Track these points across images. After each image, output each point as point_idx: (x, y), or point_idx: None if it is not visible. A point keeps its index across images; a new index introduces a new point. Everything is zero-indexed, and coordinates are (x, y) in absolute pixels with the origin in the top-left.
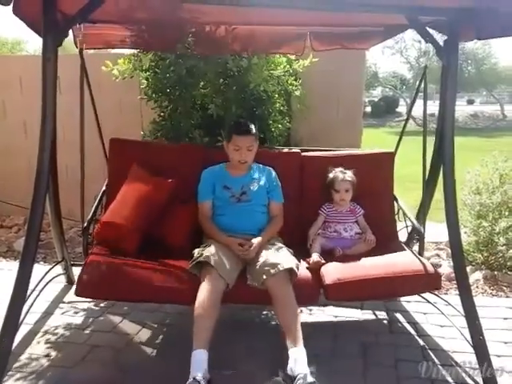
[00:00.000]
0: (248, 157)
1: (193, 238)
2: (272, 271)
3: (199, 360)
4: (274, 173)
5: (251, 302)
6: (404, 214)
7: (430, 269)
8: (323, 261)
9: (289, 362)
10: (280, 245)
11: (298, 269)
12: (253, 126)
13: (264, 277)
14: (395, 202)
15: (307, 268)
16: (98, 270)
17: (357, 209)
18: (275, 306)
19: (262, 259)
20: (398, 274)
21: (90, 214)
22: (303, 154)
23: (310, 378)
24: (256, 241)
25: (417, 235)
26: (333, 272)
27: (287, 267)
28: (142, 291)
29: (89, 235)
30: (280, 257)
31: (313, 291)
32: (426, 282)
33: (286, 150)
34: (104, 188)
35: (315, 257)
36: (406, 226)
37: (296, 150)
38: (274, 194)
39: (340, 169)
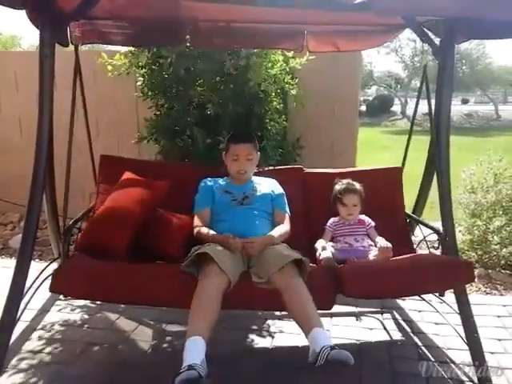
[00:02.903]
0: (247, 167)
1: (186, 249)
2: (279, 265)
3: (195, 348)
4: (277, 183)
5: (255, 306)
6: (422, 224)
7: (460, 260)
8: (335, 263)
9: (310, 348)
10: (286, 245)
11: (308, 265)
12: (252, 135)
13: (271, 271)
14: (411, 218)
15: (319, 267)
16: (75, 266)
17: (366, 220)
18: (286, 301)
19: (267, 257)
20: (429, 265)
21: (73, 220)
22: (306, 170)
23: (336, 348)
24: (260, 238)
25: (439, 237)
26: (353, 267)
27: (296, 258)
28: (122, 292)
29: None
30: (287, 251)
31: (327, 293)
32: (460, 273)
33: (288, 166)
34: (89, 207)
35: (326, 253)
36: (424, 238)
37: (298, 166)
38: (278, 202)
39: (347, 181)
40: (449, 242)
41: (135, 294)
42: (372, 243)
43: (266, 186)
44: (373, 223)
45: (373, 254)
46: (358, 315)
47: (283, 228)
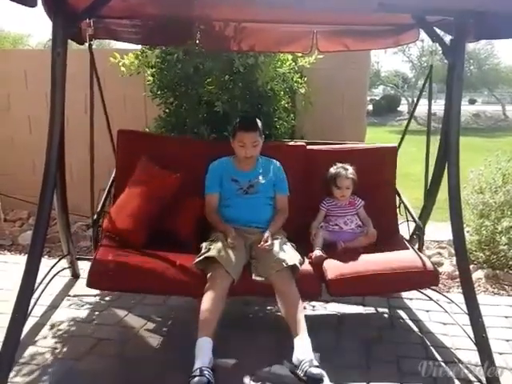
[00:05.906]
0: (253, 152)
1: (200, 230)
2: (277, 268)
3: (204, 348)
4: (280, 166)
5: (254, 295)
6: (406, 208)
7: (429, 265)
8: (325, 255)
9: (294, 352)
10: (284, 240)
11: (300, 265)
12: (257, 122)
13: (269, 272)
14: (397, 196)
15: (310, 263)
16: (106, 262)
17: (356, 201)
18: (279, 300)
19: (267, 255)
20: (397, 270)
21: (99, 206)
22: (308, 147)
23: (315, 362)
24: (267, 235)
25: (417, 231)
26: (335, 267)
27: (291, 264)
28: (149, 284)
29: (98, 227)
30: (284, 253)
31: (315, 285)
32: (424, 279)
33: (291, 142)
34: (111, 179)
35: (317, 252)
36: (407, 221)
37: (301, 142)
38: (281, 187)
39: (342, 165)
40: (458, 243)
41: (160, 285)
42: (360, 224)
43: (270, 171)
44: (362, 202)
45: (359, 239)
46: (364, 315)
47: (282, 218)
